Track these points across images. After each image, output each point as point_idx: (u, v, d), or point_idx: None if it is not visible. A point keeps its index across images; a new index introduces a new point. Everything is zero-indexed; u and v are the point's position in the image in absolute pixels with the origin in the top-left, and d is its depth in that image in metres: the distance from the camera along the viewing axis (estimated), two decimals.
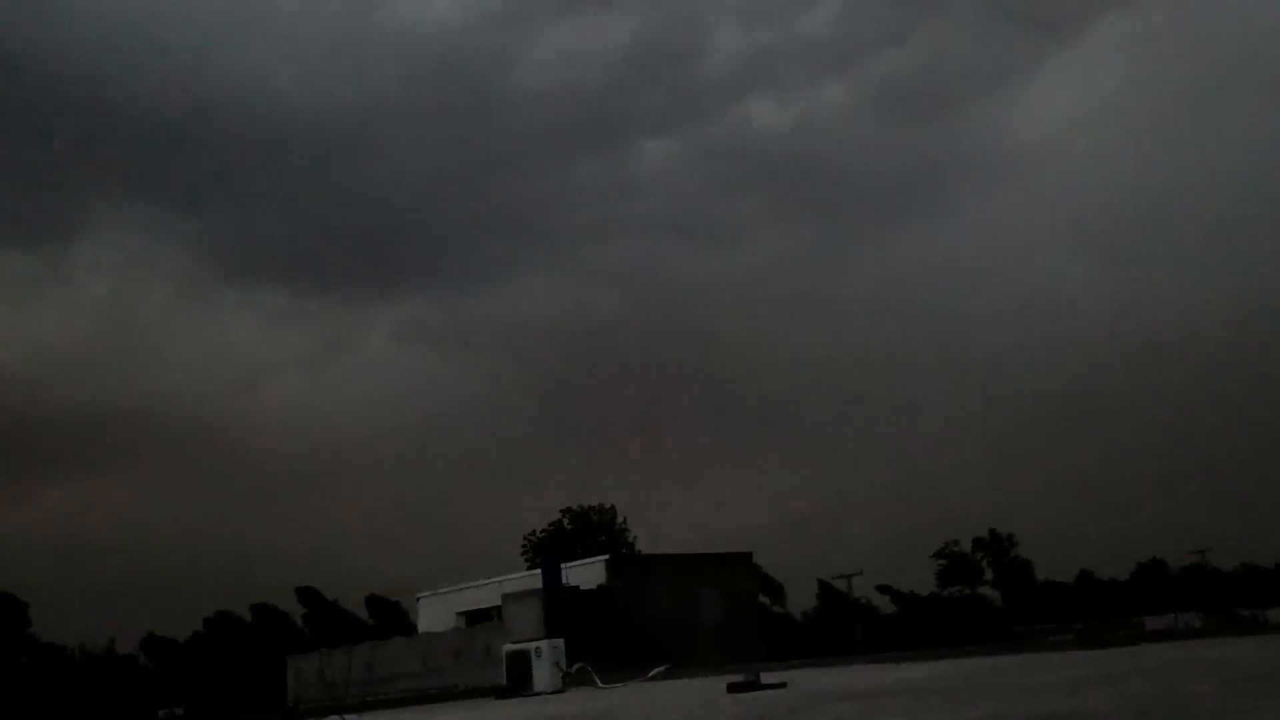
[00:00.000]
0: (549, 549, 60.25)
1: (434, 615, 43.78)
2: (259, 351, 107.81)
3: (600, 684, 23.01)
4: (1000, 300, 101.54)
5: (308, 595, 70.54)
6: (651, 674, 24.15)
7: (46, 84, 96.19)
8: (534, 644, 24.43)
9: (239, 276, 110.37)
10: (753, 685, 15.15)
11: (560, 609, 32.50)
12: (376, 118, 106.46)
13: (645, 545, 65.14)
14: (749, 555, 41.64)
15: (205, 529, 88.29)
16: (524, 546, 68.62)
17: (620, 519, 70.42)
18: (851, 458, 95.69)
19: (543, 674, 23.38)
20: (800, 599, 78.11)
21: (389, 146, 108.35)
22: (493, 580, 41.29)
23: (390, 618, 67.19)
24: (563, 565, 36.22)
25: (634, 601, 34.84)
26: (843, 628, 66.21)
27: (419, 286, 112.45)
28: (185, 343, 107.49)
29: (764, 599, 64.03)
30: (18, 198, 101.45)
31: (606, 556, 39.77)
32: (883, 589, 79.23)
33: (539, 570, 36.34)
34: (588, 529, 69.73)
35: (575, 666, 24.00)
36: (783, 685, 15.12)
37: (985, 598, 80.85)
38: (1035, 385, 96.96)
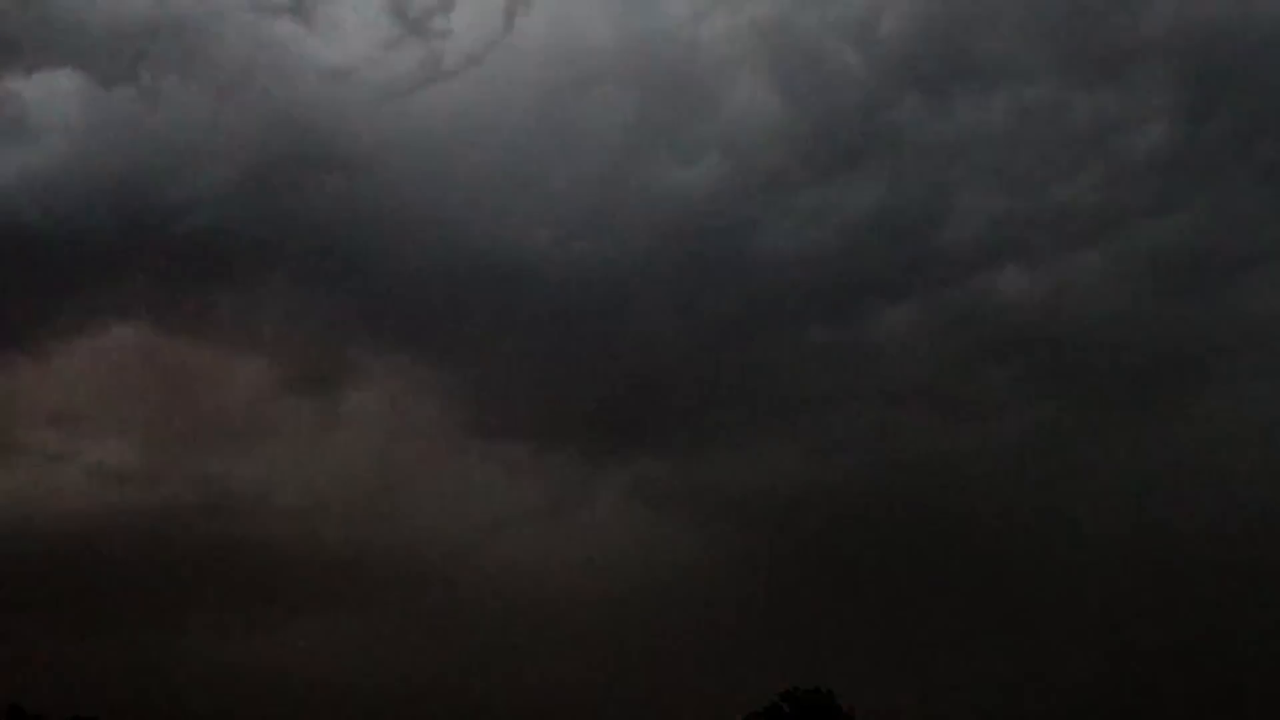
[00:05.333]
0: None
1: None
2: (497, 503, 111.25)
3: None
4: None
5: None
6: None
7: (338, 247, 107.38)
8: None
9: (484, 429, 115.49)
10: None
11: None
12: (621, 282, 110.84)
13: None
14: None
15: (425, 671, 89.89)
16: None
17: (846, 706, 67.03)
18: (1117, 650, 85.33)
19: None
20: None
21: (631, 310, 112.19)
22: None
23: None
24: None
25: None
26: None
27: (651, 447, 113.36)
28: (433, 490, 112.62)
29: None
30: (310, 352, 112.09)
31: None
32: None
33: None
34: (805, 712, 66.69)
35: None
36: None
37: None
38: None
